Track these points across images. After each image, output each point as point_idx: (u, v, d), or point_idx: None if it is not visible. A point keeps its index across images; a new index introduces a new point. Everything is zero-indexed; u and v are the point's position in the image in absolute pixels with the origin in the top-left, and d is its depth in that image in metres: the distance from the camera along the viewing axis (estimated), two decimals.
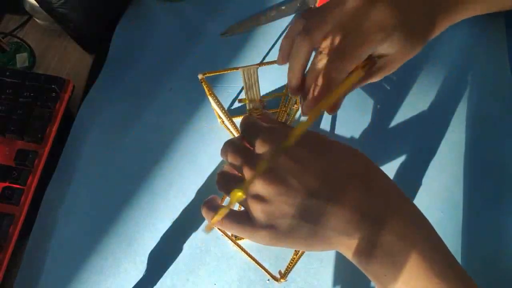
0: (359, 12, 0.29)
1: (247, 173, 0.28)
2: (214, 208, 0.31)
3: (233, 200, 0.27)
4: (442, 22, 0.32)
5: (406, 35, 0.29)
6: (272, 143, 0.28)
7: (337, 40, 0.29)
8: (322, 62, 0.30)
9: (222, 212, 0.28)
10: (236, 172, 0.31)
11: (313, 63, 0.31)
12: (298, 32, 0.31)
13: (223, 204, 0.33)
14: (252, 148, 0.30)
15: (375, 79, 0.32)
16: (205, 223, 0.40)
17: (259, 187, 0.27)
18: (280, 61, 0.34)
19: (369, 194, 0.27)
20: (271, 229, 0.27)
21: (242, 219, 0.29)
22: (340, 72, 0.29)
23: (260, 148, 0.29)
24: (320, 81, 0.30)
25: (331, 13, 0.30)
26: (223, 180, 0.31)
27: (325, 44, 0.30)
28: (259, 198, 0.27)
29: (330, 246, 0.28)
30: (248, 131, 0.31)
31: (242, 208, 0.30)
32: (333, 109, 0.33)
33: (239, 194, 0.26)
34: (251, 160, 0.28)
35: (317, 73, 0.30)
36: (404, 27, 0.29)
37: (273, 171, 0.27)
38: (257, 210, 0.27)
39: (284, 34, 0.35)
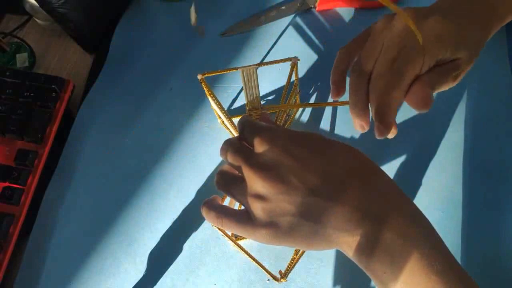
0: (409, 29, 0.31)
1: (247, 172, 0.28)
2: (214, 207, 0.31)
3: None
4: (495, 25, 0.34)
5: (464, 41, 0.31)
6: (271, 142, 0.28)
7: (390, 60, 0.31)
8: (381, 83, 0.31)
9: None
10: (236, 172, 0.31)
11: (372, 88, 0.32)
12: (352, 69, 0.33)
13: (223, 204, 0.33)
14: (251, 148, 0.30)
15: (450, 85, 0.34)
16: (205, 222, 0.40)
17: (259, 185, 0.27)
18: (335, 95, 0.35)
19: (369, 193, 0.27)
20: (272, 228, 0.27)
21: (242, 218, 0.29)
22: (399, 89, 0.30)
23: (259, 147, 0.29)
24: (381, 102, 0.31)
25: (379, 39, 0.32)
26: (223, 180, 0.31)
27: (380, 68, 0.31)
28: (259, 196, 0.27)
29: (330, 245, 0.28)
30: (247, 131, 0.31)
31: (243, 207, 0.30)
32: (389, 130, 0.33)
33: None
34: (250, 159, 0.28)
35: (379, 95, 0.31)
36: (461, 34, 0.31)
37: (273, 170, 0.27)
38: (257, 209, 0.27)
39: (332, 69, 0.36)
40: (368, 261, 0.26)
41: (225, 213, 0.30)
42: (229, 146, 0.31)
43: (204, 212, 0.31)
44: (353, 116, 0.34)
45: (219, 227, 0.35)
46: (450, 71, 0.32)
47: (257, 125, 0.31)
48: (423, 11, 0.32)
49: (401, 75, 0.30)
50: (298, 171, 0.27)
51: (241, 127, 0.32)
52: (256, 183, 0.27)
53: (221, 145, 0.32)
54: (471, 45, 0.32)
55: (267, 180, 0.27)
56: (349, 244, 0.27)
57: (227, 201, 0.37)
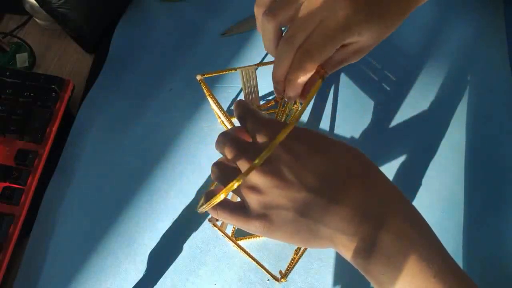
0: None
1: (245, 164, 0.28)
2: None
3: (229, 189, 0.26)
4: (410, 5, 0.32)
5: (370, 25, 0.29)
6: (272, 136, 0.28)
7: (301, 27, 0.30)
8: (289, 56, 0.31)
9: (215, 201, 0.27)
10: (232, 164, 0.30)
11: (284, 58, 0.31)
12: (263, 13, 0.31)
13: (227, 197, 0.33)
14: (248, 139, 0.30)
15: (353, 60, 0.33)
16: (205, 222, 0.40)
17: (256, 177, 0.27)
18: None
19: (369, 194, 0.27)
20: (265, 220, 0.27)
21: (237, 209, 0.29)
22: (308, 71, 0.30)
23: (260, 140, 0.29)
24: (293, 83, 0.31)
25: None
26: (219, 171, 0.31)
27: (292, 31, 0.30)
28: (255, 188, 0.27)
29: (325, 244, 0.28)
30: (249, 121, 0.31)
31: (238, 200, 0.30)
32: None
33: (236, 184, 0.26)
34: (249, 152, 0.28)
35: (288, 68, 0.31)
36: (369, 18, 0.29)
37: (272, 164, 0.27)
38: (253, 199, 0.28)
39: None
40: (366, 262, 0.26)
41: (220, 204, 0.30)
42: (226, 138, 0.31)
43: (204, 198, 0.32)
44: (266, 49, 0.34)
45: (220, 228, 0.35)
46: (353, 53, 0.31)
47: (260, 117, 0.30)
48: None
49: (312, 60, 0.30)
50: (297, 167, 0.27)
51: (241, 114, 0.32)
52: (253, 175, 0.27)
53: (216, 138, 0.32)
54: (378, 30, 0.30)
55: (264, 173, 0.27)
56: (346, 245, 0.26)
57: (230, 195, 0.36)
